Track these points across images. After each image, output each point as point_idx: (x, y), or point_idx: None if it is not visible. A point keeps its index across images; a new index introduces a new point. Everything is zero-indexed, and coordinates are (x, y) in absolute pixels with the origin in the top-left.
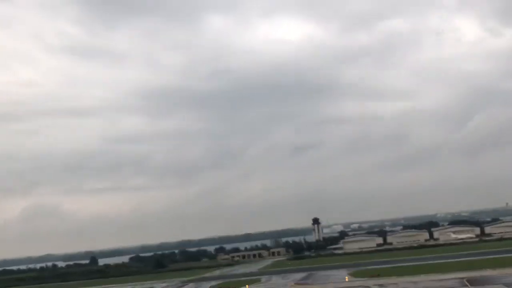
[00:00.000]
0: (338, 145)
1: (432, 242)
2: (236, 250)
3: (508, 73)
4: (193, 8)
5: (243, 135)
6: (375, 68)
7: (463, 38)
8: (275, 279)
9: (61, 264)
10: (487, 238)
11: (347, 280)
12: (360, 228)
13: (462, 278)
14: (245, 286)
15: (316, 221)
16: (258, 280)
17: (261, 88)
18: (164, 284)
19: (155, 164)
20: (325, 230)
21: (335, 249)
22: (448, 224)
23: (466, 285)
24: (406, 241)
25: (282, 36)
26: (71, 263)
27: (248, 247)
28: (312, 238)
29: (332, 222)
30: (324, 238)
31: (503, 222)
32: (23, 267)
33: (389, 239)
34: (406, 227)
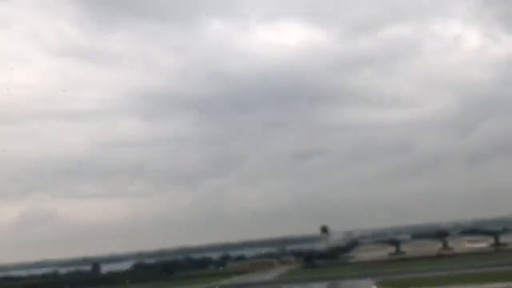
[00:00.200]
0: (339, 153)
1: (447, 252)
2: (242, 257)
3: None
4: (192, 11)
5: (242, 140)
6: (377, 75)
7: (467, 45)
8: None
9: (62, 270)
10: (503, 248)
11: None
12: (362, 237)
13: None
14: None
15: (325, 229)
16: None
17: (260, 93)
18: None
19: (152, 169)
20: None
21: (346, 258)
22: (460, 233)
23: None
24: (420, 250)
25: (282, 40)
26: (72, 269)
27: (253, 254)
28: (318, 246)
29: (332, 230)
30: (333, 247)
31: None
32: (23, 273)
33: (402, 248)
34: (416, 236)
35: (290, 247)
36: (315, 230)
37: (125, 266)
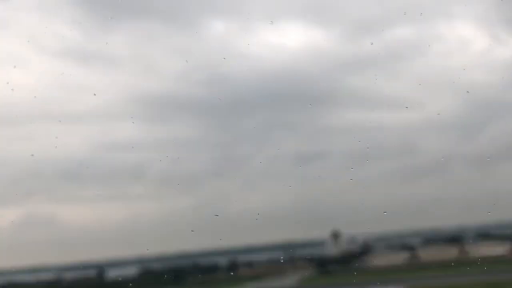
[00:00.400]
0: (342, 155)
1: (465, 257)
2: (251, 263)
3: None
4: (193, 13)
5: (244, 143)
6: (380, 76)
7: (472, 47)
8: None
9: (66, 275)
10: None
11: None
12: (374, 241)
13: None
14: None
15: (336, 234)
16: None
17: (262, 95)
18: None
19: (153, 172)
20: (331, 244)
21: (361, 263)
22: (475, 237)
23: None
24: (436, 255)
25: (284, 42)
26: (77, 275)
27: (261, 259)
28: (327, 251)
29: (343, 235)
30: (345, 252)
31: None
32: (27, 278)
33: (419, 253)
34: (427, 240)
35: (298, 252)
36: (319, 234)
37: (130, 271)
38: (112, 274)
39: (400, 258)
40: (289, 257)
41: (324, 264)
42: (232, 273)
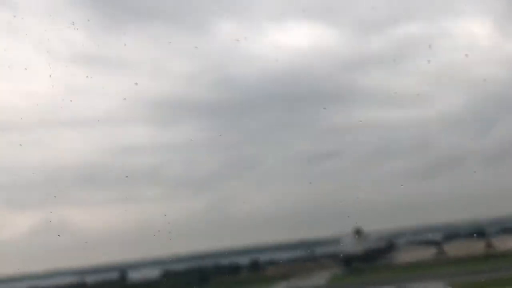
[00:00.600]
0: (353, 153)
1: (492, 251)
2: (274, 262)
3: None
4: (201, 14)
5: (253, 144)
6: (389, 74)
7: (480, 43)
8: None
9: (88, 278)
10: None
11: None
12: (388, 237)
13: None
14: None
15: (358, 231)
16: None
17: (271, 96)
18: None
19: (164, 175)
20: (344, 241)
21: (387, 260)
22: (500, 231)
23: None
24: (463, 250)
25: (292, 42)
26: (99, 278)
27: (283, 258)
28: (347, 248)
29: (340, 231)
30: (370, 249)
31: None
32: (49, 282)
33: (445, 248)
34: (450, 235)
35: (317, 250)
36: (336, 232)
37: (151, 272)
38: (134, 276)
39: (425, 253)
40: (312, 256)
41: (349, 262)
42: (256, 273)
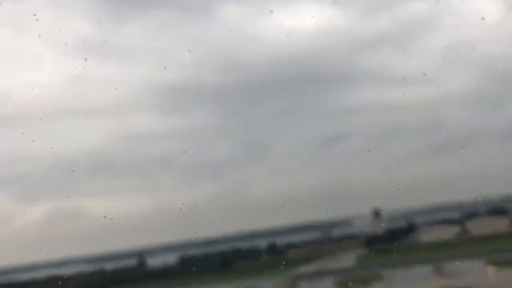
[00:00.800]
0: (363, 135)
1: None
2: (293, 244)
3: None
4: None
5: (265, 128)
6: (396, 53)
7: (486, 20)
8: (401, 274)
9: (107, 265)
10: None
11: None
12: (407, 217)
13: None
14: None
15: (377, 212)
16: (380, 277)
17: (279, 79)
18: (270, 282)
19: (178, 162)
20: (355, 222)
21: (411, 240)
22: None
23: None
24: (485, 229)
25: (299, 24)
26: (117, 265)
27: (301, 240)
28: (366, 229)
29: (356, 213)
30: (390, 230)
31: None
32: (69, 271)
33: (468, 226)
34: (468, 214)
35: (336, 232)
36: (351, 213)
37: (169, 259)
38: (152, 262)
39: (448, 233)
40: (332, 237)
41: (371, 243)
42: (278, 256)
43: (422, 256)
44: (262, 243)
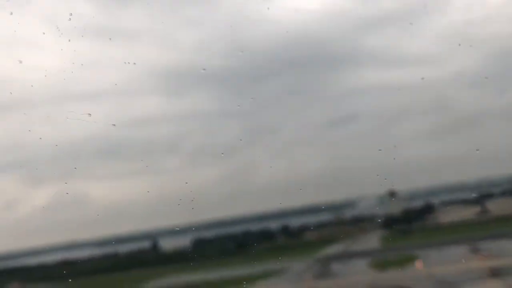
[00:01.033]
0: (369, 116)
1: None
2: (307, 226)
3: None
4: None
5: (269, 110)
6: (401, 34)
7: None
8: (437, 255)
9: (121, 248)
10: None
11: None
12: (414, 197)
13: None
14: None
15: (392, 193)
16: (416, 258)
17: (284, 61)
18: (296, 263)
19: (182, 145)
20: (361, 204)
21: (431, 221)
22: None
23: None
24: (506, 209)
25: (303, 4)
26: (134, 248)
27: (314, 222)
28: (379, 211)
29: (356, 195)
30: (407, 210)
31: None
32: (83, 254)
33: (488, 206)
34: (486, 194)
35: (351, 213)
36: (357, 194)
37: (183, 241)
38: (165, 244)
39: (468, 212)
40: (348, 218)
41: (390, 224)
42: (295, 239)
43: (447, 236)
44: (274, 225)
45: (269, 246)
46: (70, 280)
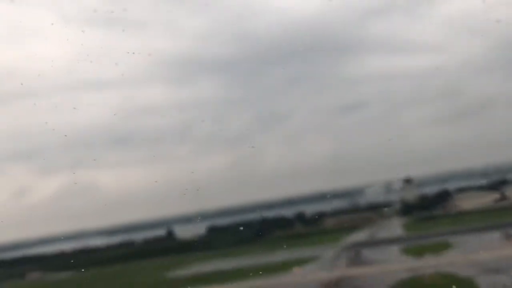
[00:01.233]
0: (377, 103)
1: None
2: (323, 213)
3: None
4: None
5: (277, 98)
6: (408, 21)
7: None
8: (469, 241)
9: (136, 236)
10: None
11: None
12: (430, 184)
13: None
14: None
15: (408, 180)
16: (448, 244)
17: (290, 49)
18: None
19: (191, 133)
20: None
21: (450, 208)
22: None
23: None
24: None
25: None
26: (149, 237)
27: (329, 209)
28: (394, 197)
29: (367, 181)
30: (424, 197)
31: None
32: (98, 242)
33: (507, 193)
34: (500, 180)
35: (366, 199)
36: (365, 181)
37: (198, 229)
38: (180, 232)
39: (487, 199)
40: (365, 205)
41: (408, 210)
42: (313, 226)
43: (472, 223)
44: (288, 212)
45: (287, 233)
46: (85, 269)
